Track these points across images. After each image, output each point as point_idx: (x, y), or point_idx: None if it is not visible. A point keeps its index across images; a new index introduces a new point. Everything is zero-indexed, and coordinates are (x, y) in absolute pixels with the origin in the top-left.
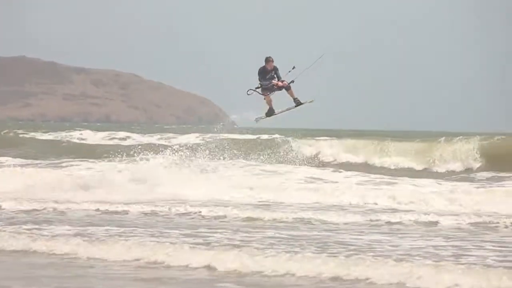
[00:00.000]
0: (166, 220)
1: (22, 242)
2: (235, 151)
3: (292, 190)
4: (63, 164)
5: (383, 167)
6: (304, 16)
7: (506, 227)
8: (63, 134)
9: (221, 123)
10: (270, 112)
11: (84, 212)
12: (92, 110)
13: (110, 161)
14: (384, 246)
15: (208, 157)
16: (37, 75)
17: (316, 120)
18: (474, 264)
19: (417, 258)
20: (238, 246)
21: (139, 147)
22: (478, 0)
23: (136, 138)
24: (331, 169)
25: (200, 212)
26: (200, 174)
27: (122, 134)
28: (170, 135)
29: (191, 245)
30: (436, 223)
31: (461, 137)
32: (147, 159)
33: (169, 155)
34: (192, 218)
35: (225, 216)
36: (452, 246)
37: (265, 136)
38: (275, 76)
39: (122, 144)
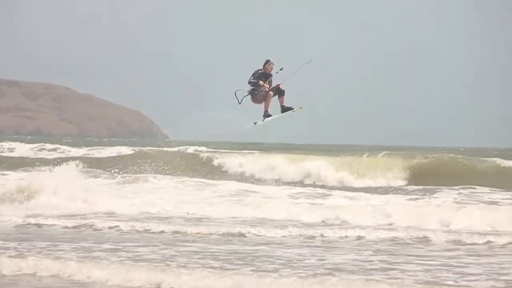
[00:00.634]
0: (93, 235)
1: None
2: (160, 164)
3: (221, 204)
4: None
5: (313, 181)
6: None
7: (433, 242)
8: None
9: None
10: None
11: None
12: (24, 123)
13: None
14: (310, 260)
15: (136, 170)
16: None
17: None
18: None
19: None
20: (161, 261)
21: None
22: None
23: (65, 151)
24: (261, 183)
25: (119, 226)
26: (124, 187)
27: (50, 146)
28: (99, 147)
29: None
30: (362, 237)
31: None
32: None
33: (89, 167)
34: (118, 232)
35: (149, 230)
36: (380, 260)
37: (191, 150)
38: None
39: (47, 157)
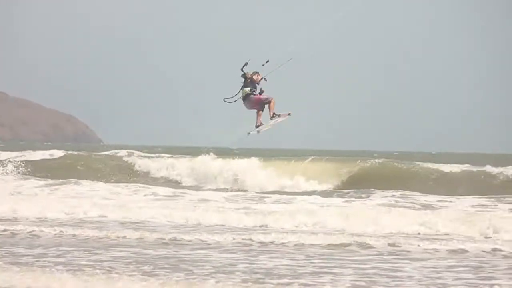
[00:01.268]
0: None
1: None
2: (78, 168)
3: (155, 207)
4: None
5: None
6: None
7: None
8: None
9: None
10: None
11: None
12: None
13: None
14: (243, 264)
15: (66, 175)
16: None
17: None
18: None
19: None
20: (91, 266)
21: None
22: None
23: None
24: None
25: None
26: (56, 189)
27: None
28: (31, 150)
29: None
30: (298, 242)
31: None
32: None
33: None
34: (49, 236)
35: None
36: (313, 264)
37: (123, 152)
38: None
39: None
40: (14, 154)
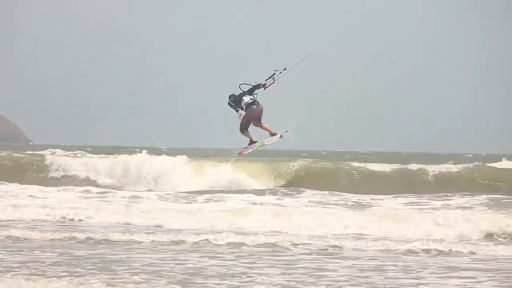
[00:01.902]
0: None
1: None
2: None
3: (87, 208)
4: None
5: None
6: None
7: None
8: None
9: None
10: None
11: None
12: None
13: None
14: (169, 265)
15: None
16: None
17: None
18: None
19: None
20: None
21: None
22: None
23: None
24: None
25: None
26: None
27: None
28: None
29: None
30: (234, 244)
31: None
32: None
33: None
34: None
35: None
36: (241, 265)
37: (45, 152)
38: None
39: None
40: None
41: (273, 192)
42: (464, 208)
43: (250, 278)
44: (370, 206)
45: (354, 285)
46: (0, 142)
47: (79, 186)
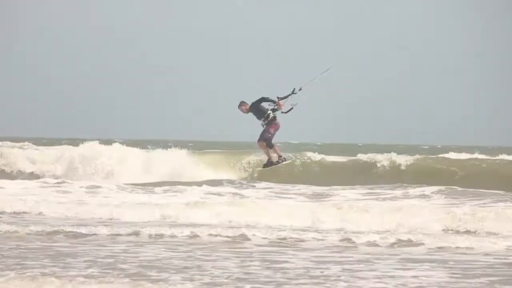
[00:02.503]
0: None
1: None
2: None
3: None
4: None
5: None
6: None
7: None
8: None
9: None
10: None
11: None
12: None
13: None
14: (119, 257)
15: None
16: None
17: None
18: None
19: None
20: None
21: None
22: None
23: None
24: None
25: None
26: None
27: None
28: None
29: None
30: (190, 237)
31: None
32: None
33: None
34: None
35: None
36: (194, 258)
37: None
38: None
39: None
40: None
41: (230, 183)
42: (421, 197)
43: (205, 272)
44: (328, 196)
45: (311, 276)
46: None
47: (31, 178)
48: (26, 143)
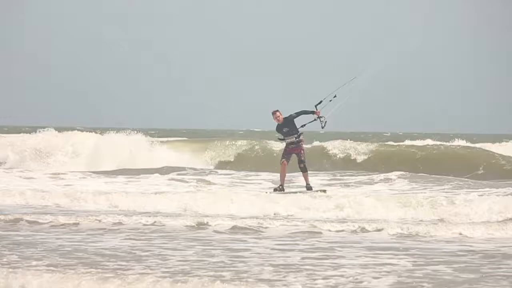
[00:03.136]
0: None
1: None
2: None
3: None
4: None
5: None
6: None
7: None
8: None
9: None
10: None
11: None
12: None
13: None
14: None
15: None
16: None
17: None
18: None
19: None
20: None
21: None
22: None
23: None
24: None
25: None
26: None
27: None
28: None
29: None
30: (154, 224)
31: None
32: None
33: None
34: None
35: None
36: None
37: None
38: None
39: None
40: None
41: (193, 170)
42: (384, 182)
43: (164, 260)
44: (292, 183)
45: (271, 264)
46: None
47: None
48: None
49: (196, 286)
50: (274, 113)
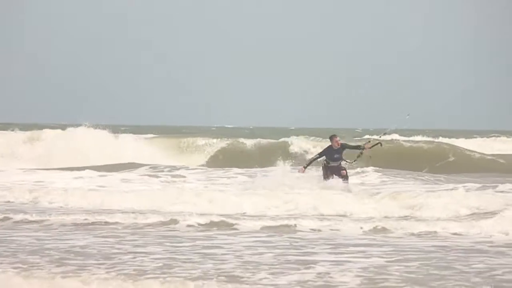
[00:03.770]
0: None
1: None
2: None
3: None
4: None
5: None
6: None
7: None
8: None
9: None
10: None
11: None
12: None
13: None
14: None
15: None
16: None
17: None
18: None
19: None
20: None
21: None
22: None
23: None
24: None
25: None
26: None
27: None
28: None
29: None
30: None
31: None
32: None
33: None
34: None
35: None
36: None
37: None
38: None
39: None
40: None
41: (167, 168)
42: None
43: (134, 258)
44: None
45: (242, 263)
46: None
47: None
48: None
49: (164, 285)
50: (333, 138)
